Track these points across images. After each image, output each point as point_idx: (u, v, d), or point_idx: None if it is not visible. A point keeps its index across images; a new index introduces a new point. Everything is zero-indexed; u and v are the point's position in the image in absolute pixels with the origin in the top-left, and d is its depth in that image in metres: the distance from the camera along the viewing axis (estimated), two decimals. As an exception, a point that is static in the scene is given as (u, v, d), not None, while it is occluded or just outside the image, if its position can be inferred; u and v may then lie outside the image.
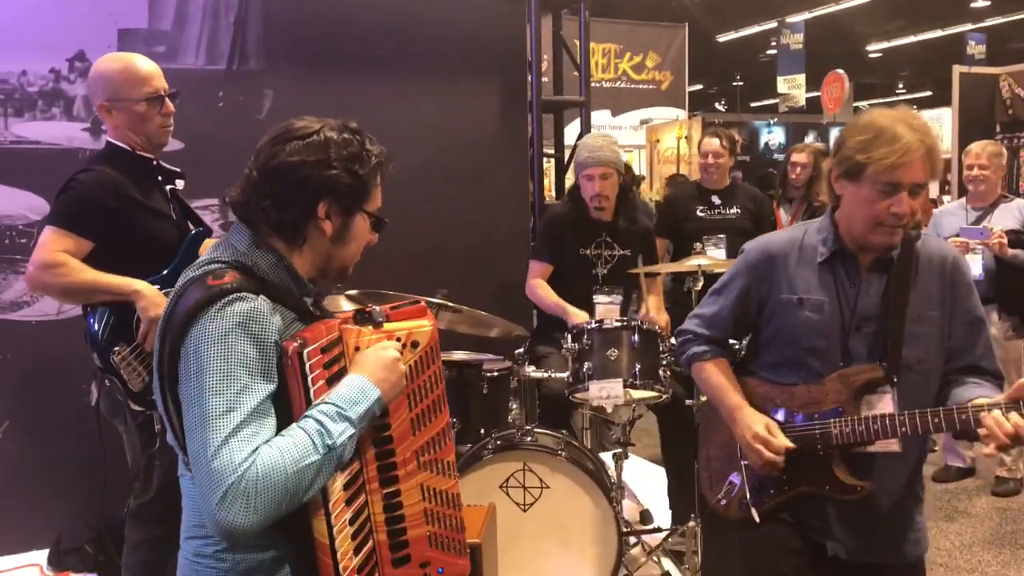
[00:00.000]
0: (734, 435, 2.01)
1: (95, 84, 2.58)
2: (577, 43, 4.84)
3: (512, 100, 4.35)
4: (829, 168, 1.92)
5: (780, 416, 1.98)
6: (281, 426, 1.40)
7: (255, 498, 1.30)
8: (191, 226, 2.68)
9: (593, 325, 3.02)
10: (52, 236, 2.41)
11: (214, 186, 3.67)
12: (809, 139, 10.50)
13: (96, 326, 2.44)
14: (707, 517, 2.88)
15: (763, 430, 1.93)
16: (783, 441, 1.91)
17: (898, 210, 1.80)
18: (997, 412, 1.72)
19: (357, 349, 1.48)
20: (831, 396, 1.91)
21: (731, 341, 2.17)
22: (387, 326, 1.51)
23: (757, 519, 1.97)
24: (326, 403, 1.39)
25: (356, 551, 1.45)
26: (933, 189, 10.67)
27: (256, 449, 1.32)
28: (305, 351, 1.37)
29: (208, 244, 2.67)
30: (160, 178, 2.62)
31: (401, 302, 1.61)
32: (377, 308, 1.52)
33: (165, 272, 2.52)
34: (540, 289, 3.52)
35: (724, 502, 2.05)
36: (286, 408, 1.40)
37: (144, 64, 2.58)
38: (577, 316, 3.27)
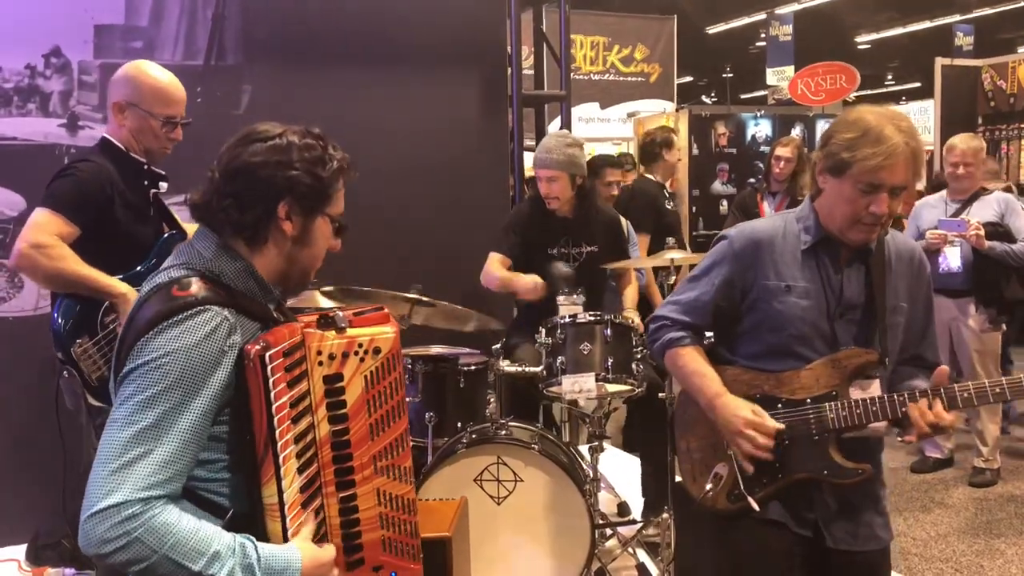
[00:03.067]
0: (715, 424, 1.97)
1: (122, 83, 2.63)
2: (559, 37, 4.84)
3: (492, 94, 4.36)
4: (815, 160, 1.95)
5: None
6: (238, 431, 1.39)
7: (130, 539, 1.27)
8: (166, 228, 2.72)
9: (567, 320, 3.04)
10: (47, 217, 2.44)
11: (191, 182, 3.67)
12: (796, 132, 10.50)
13: (61, 317, 2.46)
14: (680, 509, 2.90)
15: (751, 415, 1.89)
16: (773, 423, 1.89)
17: (877, 210, 1.82)
18: (924, 401, 1.82)
19: (319, 353, 1.48)
20: (822, 381, 1.91)
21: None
22: (350, 332, 1.52)
23: (756, 507, 1.92)
24: (256, 548, 1.37)
25: None
26: (920, 183, 10.68)
27: (168, 480, 1.31)
28: (267, 354, 1.37)
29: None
30: (146, 182, 2.68)
31: (365, 308, 1.61)
32: (340, 313, 1.53)
33: (138, 269, 2.55)
34: (488, 273, 3.48)
35: (711, 495, 2.01)
36: (246, 412, 1.39)
37: (175, 89, 2.67)
38: (524, 280, 3.29)
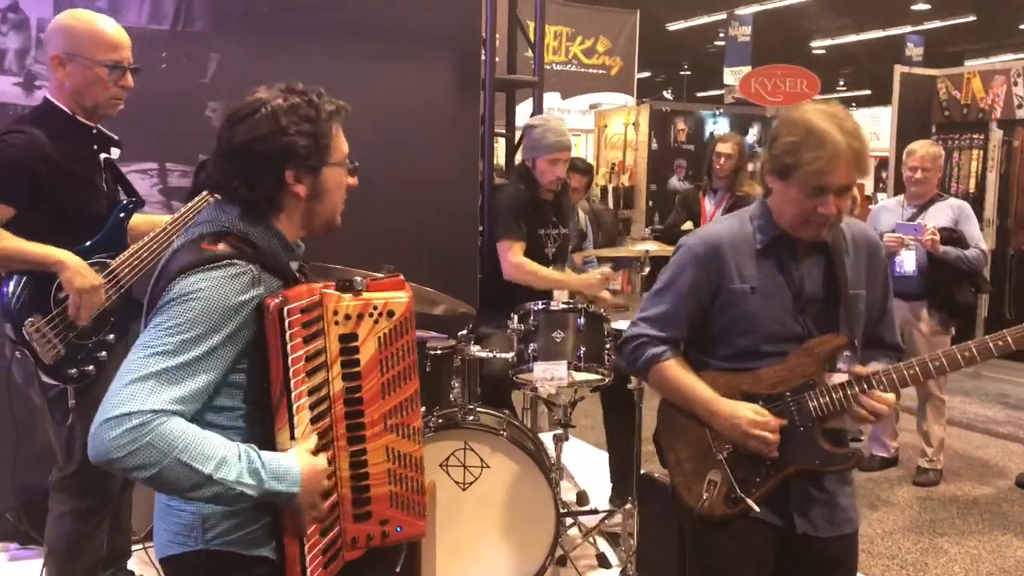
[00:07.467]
0: (716, 428, 1.96)
1: (56, 34, 2.43)
2: (532, 23, 4.80)
3: (465, 77, 4.29)
4: (763, 160, 1.97)
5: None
6: (256, 380, 1.47)
7: (140, 444, 1.33)
8: (122, 196, 2.60)
9: (540, 307, 3.02)
10: None
11: (154, 150, 3.54)
12: (753, 131, 10.64)
13: (9, 295, 2.34)
14: (645, 501, 2.91)
15: (754, 415, 1.91)
16: (776, 419, 1.92)
17: (825, 211, 1.85)
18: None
19: (335, 313, 1.55)
20: (798, 371, 1.93)
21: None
22: (365, 295, 1.60)
23: (756, 508, 1.93)
24: (259, 455, 1.44)
25: None
26: (868, 186, 10.91)
27: (179, 400, 1.37)
28: (285, 308, 1.46)
29: (142, 219, 2.62)
30: (95, 147, 2.52)
31: (382, 276, 1.70)
32: (359, 279, 1.62)
33: (88, 244, 2.44)
34: (531, 265, 3.48)
35: (708, 503, 1.97)
36: (264, 362, 1.46)
37: (114, 30, 2.46)
38: (582, 279, 3.50)
